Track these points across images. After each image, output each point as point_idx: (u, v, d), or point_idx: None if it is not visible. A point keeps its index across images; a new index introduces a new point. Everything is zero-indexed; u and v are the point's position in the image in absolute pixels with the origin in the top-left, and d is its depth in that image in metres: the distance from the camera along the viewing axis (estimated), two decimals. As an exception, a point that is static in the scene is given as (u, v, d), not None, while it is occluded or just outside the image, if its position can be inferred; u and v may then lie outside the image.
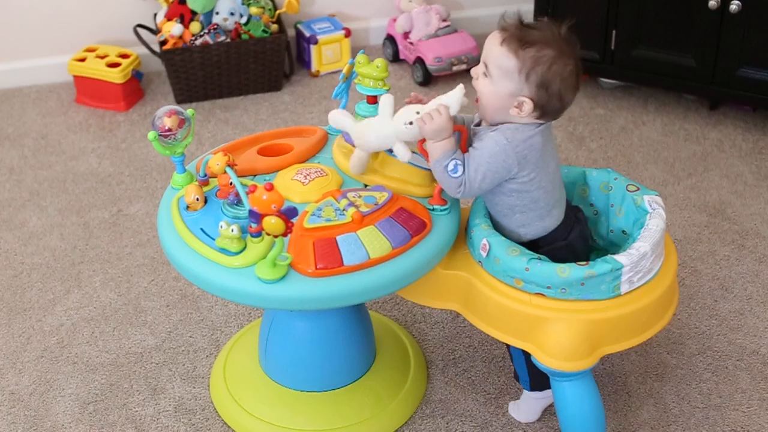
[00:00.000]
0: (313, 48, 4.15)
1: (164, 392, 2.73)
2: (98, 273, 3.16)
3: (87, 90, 4.04)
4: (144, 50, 4.08)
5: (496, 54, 2.22)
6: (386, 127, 2.32)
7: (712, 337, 2.87)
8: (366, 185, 2.44)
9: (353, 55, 4.17)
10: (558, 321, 2.26)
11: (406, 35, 4.23)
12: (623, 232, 2.48)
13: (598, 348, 2.30)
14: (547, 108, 2.25)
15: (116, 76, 3.95)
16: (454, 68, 4.10)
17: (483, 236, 2.31)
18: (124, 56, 4.05)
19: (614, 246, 2.51)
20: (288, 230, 2.08)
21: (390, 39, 4.32)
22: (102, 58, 4.04)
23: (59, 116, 4.00)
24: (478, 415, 2.65)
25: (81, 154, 3.75)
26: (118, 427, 2.64)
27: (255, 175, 2.48)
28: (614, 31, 3.76)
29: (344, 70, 2.56)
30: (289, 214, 2.07)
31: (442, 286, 2.42)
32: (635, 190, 2.45)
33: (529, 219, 2.35)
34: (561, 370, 2.29)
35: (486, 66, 2.25)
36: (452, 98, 2.30)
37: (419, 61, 4.11)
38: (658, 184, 3.47)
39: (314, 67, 4.20)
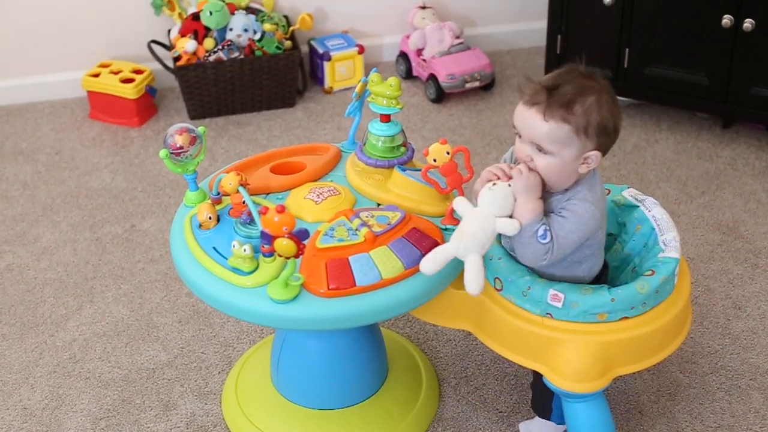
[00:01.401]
0: (327, 64, 4.16)
1: (176, 408, 2.73)
2: (111, 288, 3.16)
3: (101, 105, 4.05)
4: (158, 66, 4.09)
5: (546, 130, 2.13)
6: (490, 215, 2.18)
7: (725, 356, 2.86)
8: (379, 204, 2.44)
9: (366, 71, 4.21)
10: (570, 342, 2.26)
11: (419, 52, 4.23)
12: (609, 234, 2.50)
13: (610, 369, 2.29)
14: (609, 146, 2.22)
15: (130, 92, 3.96)
16: (467, 85, 4.10)
17: (548, 288, 2.25)
18: (138, 72, 4.07)
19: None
20: (300, 252, 2.08)
21: (403, 56, 4.33)
22: (116, 73, 4.05)
23: (73, 131, 4.01)
24: (490, 433, 2.65)
25: (94, 170, 3.76)
26: (129, 443, 2.65)
27: (268, 194, 2.49)
28: (627, 49, 3.76)
29: (357, 88, 2.57)
30: (300, 236, 2.07)
31: (453, 305, 2.41)
32: (608, 193, 2.50)
33: (596, 259, 2.34)
34: (573, 391, 2.28)
35: (538, 145, 2.15)
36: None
37: (432, 78, 4.12)
38: (671, 202, 3.47)
39: (327, 83, 4.21)
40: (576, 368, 2.26)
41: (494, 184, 2.18)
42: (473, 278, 2.13)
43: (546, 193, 2.23)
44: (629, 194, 2.51)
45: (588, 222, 2.20)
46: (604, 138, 2.17)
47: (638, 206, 2.47)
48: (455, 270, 2.32)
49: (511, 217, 2.17)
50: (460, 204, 2.21)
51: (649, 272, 2.28)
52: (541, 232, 2.16)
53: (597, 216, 2.21)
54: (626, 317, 2.26)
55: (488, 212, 2.16)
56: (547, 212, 2.22)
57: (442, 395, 2.75)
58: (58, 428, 2.69)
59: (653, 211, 2.44)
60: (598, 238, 2.29)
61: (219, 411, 2.72)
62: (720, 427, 2.65)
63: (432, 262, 2.17)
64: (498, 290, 2.31)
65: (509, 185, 2.17)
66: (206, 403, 2.74)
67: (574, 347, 2.25)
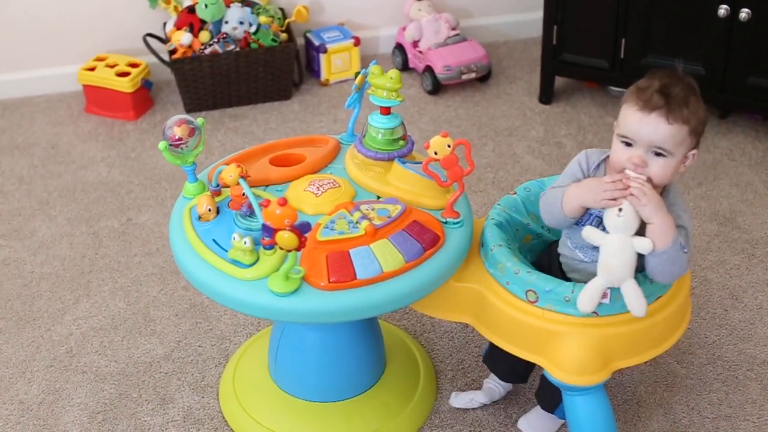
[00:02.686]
0: (323, 57, 4.16)
1: (173, 402, 2.73)
2: (107, 282, 3.16)
3: (96, 99, 4.04)
4: (153, 59, 4.08)
5: (671, 132, 2.15)
6: (626, 239, 2.19)
7: (723, 346, 2.86)
8: (379, 197, 2.43)
9: (362, 63, 4.20)
10: (570, 335, 2.26)
11: (415, 44, 4.22)
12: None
13: (610, 363, 2.29)
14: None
15: (126, 86, 3.96)
16: (464, 77, 4.10)
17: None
18: (134, 65, 4.06)
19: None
20: (301, 245, 2.07)
21: (399, 47, 4.32)
22: (111, 67, 4.04)
23: (69, 125, 4.01)
24: (488, 425, 2.64)
25: (90, 164, 3.75)
26: (127, 436, 2.64)
27: (267, 186, 2.48)
28: (623, 40, 3.75)
29: (357, 80, 2.56)
30: (302, 229, 2.06)
31: (454, 298, 2.41)
32: None
33: None
34: (573, 384, 2.28)
35: (657, 149, 2.17)
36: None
37: (428, 69, 4.11)
38: (667, 193, 3.47)
39: (323, 75, 4.20)
40: (576, 361, 2.26)
41: (621, 210, 2.16)
42: (636, 303, 2.19)
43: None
44: None
45: (692, 223, 2.28)
46: (701, 135, 2.24)
47: None
48: (455, 264, 2.31)
49: (642, 234, 2.19)
50: (591, 233, 2.22)
51: None
52: (683, 241, 2.19)
53: (691, 214, 2.31)
54: (660, 296, 2.30)
55: (624, 238, 2.18)
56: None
57: (440, 388, 2.75)
58: (55, 422, 2.68)
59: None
60: None
61: (216, 404, 2.72)
62: (717, 418, 2.65)
63: (590, 301, 2.20)
64: (533, 302, 2.29)
65: (629, 204, 2.17)
66: (203, 397, 2.74)
67: (574, 340, 2.26)
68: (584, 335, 2.26)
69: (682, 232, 2.21)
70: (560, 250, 2.41)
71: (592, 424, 2.35)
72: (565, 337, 2.26)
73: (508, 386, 2.70)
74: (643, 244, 2.16)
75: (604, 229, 2.21)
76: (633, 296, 2.18)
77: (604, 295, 2.23)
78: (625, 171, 2.19)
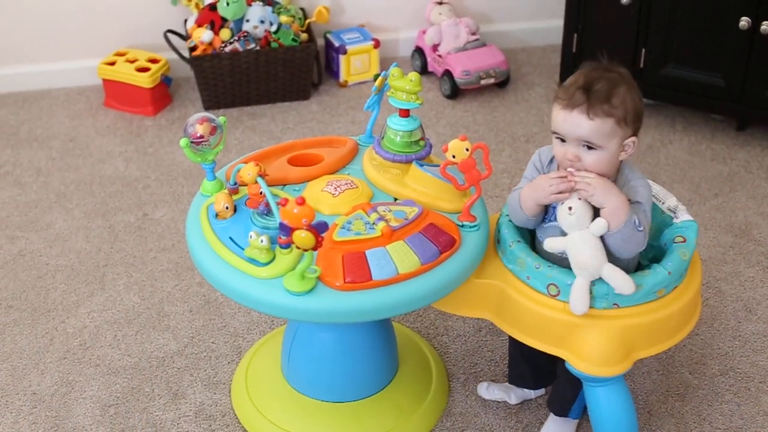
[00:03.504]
0: (342, 58, 4.16)
1: (185, 397, 2.74)
2: (122, 276, 3.17)
3: (116, 94, 4.06)
4: (173, 56, 4.09)
5: (593, 127, 2.20)
6: (586, 233, 2.26)
7: (735, 358, 2.86)
8: (396, 199, 2.44)
9: (382, 65, 4.21)
10: (593, 327, 2.29)
11: (434, 48, 4.23)
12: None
13: (632, 353, 2.33)
14: (639, 129, 2.30)
15: (145, 81, 3.97)
16: (482, 82, 4.10)
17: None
18: (154, 61, 4.07)
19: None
20: (318, 245, 2.08)
21: (419, 51, 4.33)
22: (131, 62, 4.06)
23: (87, 119, 4.02)
24: (498, 429, 2.65)
25: (108, 158, 3.77)
26: (138, 430, 2.64)
27: (285, 185, 2.49)
28: (643, 49, 3.75)
29: (377, 82, 2.56)
30: (319, 229, 2.07)
31: (474, 294, 2.42)
32: None
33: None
34: (597, 375, 2.31)
35: (586, 143, 2.22)
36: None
37: (447, 74, 4.12)
38: (684, 203, 3.46)
39: (342, 77, 4.21)
40: (599, 352, 2.29)
41: (570, 208, 2.24)
42: (622, 283, 2.24)
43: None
44: None
45: (650, 195, 2.32)
46: (638, 123, 2.27)
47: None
48: (471, 267, 2.31)
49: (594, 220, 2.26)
50: (553, 243, 2.28)
51: (680, 239, 2.38)
52: (636, 221, 2.24)
53: (650, 186, 2.35)
54: (676, 286, 2.35)
55: (582, 233, 2.24)
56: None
57: (452, 391, 2.75)
58: (67, 414, 2.69)
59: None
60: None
61: (228, 401, 2.72)
62: (728, 430, 2.64)
63: (582, 300, 2.25)
64: (554, 296, 2.31)
65: (579, 199, 2.24)
66: (215, 393, 2.75)
67: (596, 332, 2.29)
68: (606, 327, 2.29)
69: (638, 208, 2.26)
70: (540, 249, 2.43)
71: (613, 415, 2.37)
72: (588, 329, 2.30)
73: (541, 390, 2.74)
74: (599, 226, 2.22)
75: (563, 233, 2.29)
76: (616, 278, 2.24)
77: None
78: (568, 169, 2.26)
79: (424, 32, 4.28)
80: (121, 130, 3.94)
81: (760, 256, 3.23)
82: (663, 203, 2.48)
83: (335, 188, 2.41)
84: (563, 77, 3.97)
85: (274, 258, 2.23)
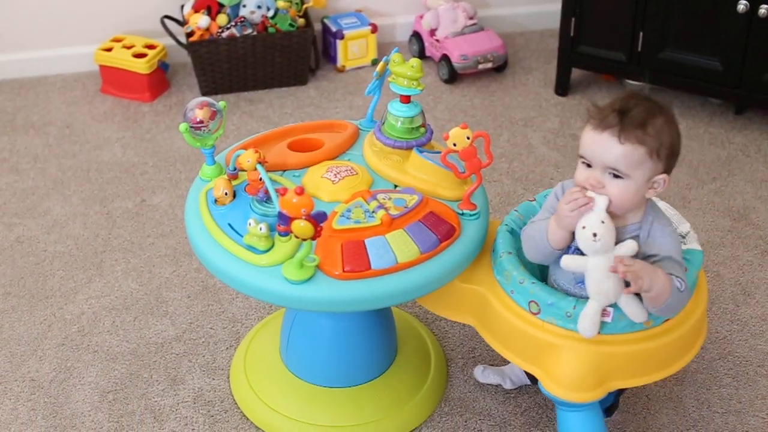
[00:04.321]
0: (340, 43, 4.16)
1: (184, 383, 2.74)
2: (120, 262, 3.16)
3: (112, 80, 4.05)
4: (170, 41, 4.08)
5: (622, 153, 2.08)
6: (599, 261, 2.14)
7: (733, 342, 2.86)
8: (396, 186, 2.43)
9: (379, 50, 4.20)
10: (568, 350, 2.21)
11: (432, 32, 4.22)
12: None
13: (607, 381, 2.24)
14: (672, 169, 2.19)
15: (142, 67, 3.96)
16: (480, 66, 4.10)
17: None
18: (151, 47, 4.06)
19: None
20: (317, 234, 2.07)
21: (416, 36, 4.32)
22: (128, 48, 4.05)
23: (84, 105, 4.01)
24: (497, 413, 2.65)
25: (105, 144, 3.76)
26: (137, 416, 2.65)
27: (284, 171, 2.48)
28: (641, 33, 3.74)
29: (378, 67, 2.56)
30: (318, 219, 2.06)
31: (460, 298, 2.39)
32: None
33: None
34: (565, 399, 2.23)
35: (613, 170, 2.10)
36: (598, 215, 2.13)
37: (445, 58, 4.11)
38: (681, 187, 3.46)
39: (340, 62, 4.20)
40: (571, 376, 2.21)
41: (595, 234, 2.10)
42: (636, 311, 2.16)
43: (618, 225, 2.17)
44: None
45: (679, 244, 2.20)
46: (672, 160, 2.15)
47: None
48: (470, 257, 2.31)
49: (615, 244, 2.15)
50: (571, 262, 2.15)
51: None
52: (678, 284, 2.12)
53: (677, 233, 2.25)
54: (668, 319, 2.23)
55: (606, 258, 2.12)
56: (619, 240, 2.15)
57: (450, 375, 2.75)
58: (65, 400, 2.69)
59: (659, 204, 2.34)
60: None
61: (227, 386, 2.72)
62: (727, 413, 2.65)
63: (592, 326, 2.16)
64: (535, 314, 2.24)
65: (603, 222, 2.10)
66: (214, 379, 2.75)
67: (571, 355, 2.21)
68: (582, 351, 2.20)
69: (672, 265, 2.15)
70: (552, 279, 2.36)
71: None
72: (563, 351, 2.21)
73: None
74: (628, 248, 2.13)
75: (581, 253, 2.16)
76: (631, 306, 2.16)
77: (606, 314, 2.18)
78: (587, 192, 2.13)
79: (421, 17, 4.27)
80: (118, 116, 3.93)
81: (758, 240, 3.23)
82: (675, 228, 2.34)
83: (335, 175, 2.41)
84: (561, 61, 3.97)
85: (272, 246, 2.22)
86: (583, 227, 2.11)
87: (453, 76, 4.11)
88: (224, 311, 2.97)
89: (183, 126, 2.37)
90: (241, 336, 2.88)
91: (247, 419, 2.63)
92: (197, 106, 2.38)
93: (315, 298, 2.19)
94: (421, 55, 4.29)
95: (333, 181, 2.39)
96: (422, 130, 2.52)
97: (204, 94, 4.02)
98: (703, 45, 3.66)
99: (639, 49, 3.78)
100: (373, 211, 2.28)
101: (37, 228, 3.32)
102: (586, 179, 2.14)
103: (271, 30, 3.96)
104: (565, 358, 2.21)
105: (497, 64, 4.15)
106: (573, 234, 2.17)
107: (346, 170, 2.42)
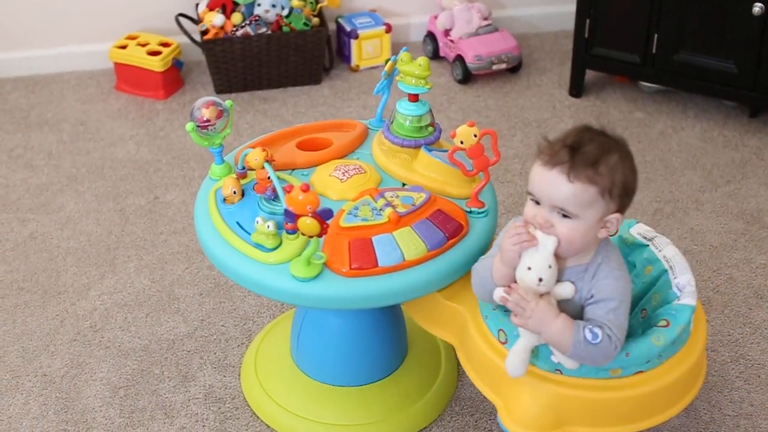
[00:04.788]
0: (354, 42, 4.16)
1: (195, 380, 2.74)
2: (133, 259, 3.17)
3: (127, 77, 4.06)
4: (185, 39, 4.09)
5: (571, 192, 1.96)
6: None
7: (746, 345, 2.85)
8: (404, 184, 2.43)
9: (393, 50, 4.20)
10: (527, 386, 2.11)
11: (446, 33, 4.22)
12: None
13: (564, 425, 2.13)
14: (626, 209, 2.06)
15: (156, 65, 3.97)
16: (494, 67, 4.09)
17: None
18: (165, 45, 4.07)
19: None
20: (323, 231, 2.07)
21: (430, 36, 4.32)
22: (143, 46, 4.06)
23: (98, 103, 4.02)
24: (507, 414, 2.64)
25: (119, 141, 3.77)
26: (147, 412, 2.65)
27: (293, 170, 2.48)
28: (656, 35, 3.74)
29: (386, 67, 2.56)
30: (324, 216, 2.06)
31: (443, 315, 2.35)
32: None
33: None
34: None
35: (561, 209, 1.98)
36: (546, 258, 2.01)
37: (459, 59, 4.11)
38: (695, 190, 3.46)
39: (354, 61, 4.21)
40: (526, 413, 2.11)
41: (541, 279, 1.99)
42: (565, 357, 2.05)
43: (562, 266, 2.06)
44: (637, 232, 2.35)
45: (625, 290, 2.04)
46: (627, 198, 2.03)
47: (648, 245, 2.32)
48: (478, 254, 2.30)
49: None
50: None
51: (664, 323, 2.11)
52: (588, 335, 1.98)
53: (629, 280, 2.07)
54: (641, 371, 2.10)
55: (544, 298, 2.03)
56: (560, 279, 2.04)
57: (461, 375, 2.75)
58: (77, 396, 2.70)
59: (665, 250, 2.27)
60: None
61: (237, 384, 2.73)
62: (738, 416, 2.64)
63: (522, 364, 2.06)
64: (502, 342, 2.15)
65: (550, 267, 1.99)
66: (225, 376, 2.75)
67: (530, 392, 2.11)
68: (541, 390, 2.10)
69: (603, 309, 2.00)
70: None
71: None
72: (522, 386, 2.11)
73: None
74: (564, 290, 2.03)
75: None
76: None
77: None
78: (535, 231, 2.02)
79: (435, 17, 4.27)
80: (132, 114, 3.94)
81: (772, 243, 3.23)
82: (675, 278, 2.22)
83: (343, 173, 2.41)
84: (575, 63, 3.97)
85: (280, 243, 2.23)
86: (529, 268, 2.01)
87: (467, 77, 4.11)
88: (236, 309, 2.97)
89: (190, 125, 2.37)
90: (253, 334, 2.88)
91: (257, 417, 2.63)
92: (204, 106, 2.39)
93: (322, 295, 2.19)
94: (435, 55, 4.29)
95: (341, 179, 2.39)
96: (430, 128, 2.52)
97: (218, 92, 4.03)
98: (718, 47, 3.65)
99: (653, 51, 3.77)
100: (380, 209, 2.28)
101: (50, 224, 3.33)
102: (534, 217, 2.02)
103: (285, 29, 3.97)
104: (523, 393, 2.12)
105: (511, 65, 4.15)
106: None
107: (355, 169, 2.43)
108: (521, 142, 3.75)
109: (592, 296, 2.03)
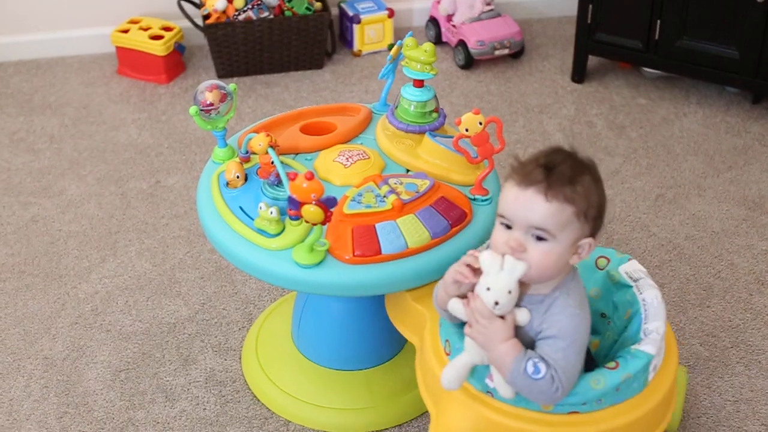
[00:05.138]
0: (356, 27, 4.15)
1: (195, 363, 2.75)
2: (134, 243, 3.17)
3: (129, 61, 4.06)
4: (187, 24, 4.09)
5: (549, 211, 1.88)
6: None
7: (747, 330, 2.85)
8: (408, 171, 2.43)
9: (396, 35, 4.19)
10: (456, 403, 2.04)
11: (449, 18, 4.21)
12: (602, 315, 2.26)
13: None
14: (598, 232, 1.98)
15: (159, 49, 3.96)
16: (497, 52, 4.09)
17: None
18: (167, 29, 4.07)
19: (593, 334, 2.24)
20: (326, 219, 2.07)
21: (433, 21, 4.31)
22: (145, 30, 4.05)
23: (101, 87, 4.02)
24: (508, 399, 2.65)
25: (121, 125, 3.77)
26: (148, 395, 2.66)
27: (297, 154, 2.48)
28: (659, 21, 3.73)
29: (392, 51, 2.55)
30: (328, 204, 2.06)
31: (410, 316, 2.31)
32: (606, 264, 2.25)
33: None
34: None
35: (540, 229, 1.89)
36: (508, 283, 1.91)
37: (462, 44, 4.10)
38: (697, 175, 3.45)
39: (356, 46, 4.20)
40: (451, 428, 2.04)
41: (497, 303, 1.90)
42: (501, 382, 1.97)
43: (523, 292, 1.96)
44: (626, 270, 2.22)
45: (578, 328, 1.94)
46: (599, 221, 1.96)
47: (632, 287, 2.20)
48: (482, 240, 2.29)
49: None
50: (458, 307, 1.98)
51: (613, 364, 1.99)
52: (530, 368, 1.89)
53: (585, 314, 1.97)
54: (576, 412, 1.98)
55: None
56: (519, 305, 1.96)
57: (461, 360, 2.75)
58: (78, 378, 2.71)
59: (645, 293, 2.15)
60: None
61: (238, 367, 2.73)
62: (738, 401, 2.64)
63: (458, 379, 1.99)
64: (447, 354, 2.09)
65: (509, 292, 1.90)
66: (225, 359, 2.76)
67: (458, 409, 2.04)
68: (469, 409, 2.02)
69: (550, 345, 1.91)
70: None
71: None
72: (452, 403, 2.04)
73: None
74: (519, 316, 1.94)
75: None
76: (499, 376, 1.97)
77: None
78: (505, 256, 1.91)
79: (438, 2, 4.26)
80: (134, 98, 3.94)
81: (773, 230, 3.23)
82: (645, 323, 2.09)
83: (347, 158, 2.41)
84: (578, 48, 3.96)
85: (283, 229, 2.22)
86: (488, 288, 1.91)
87: (469, 62, 4.11)
88: (237, 292, 2.97)
89: (193, 109, 2.37)
90: (254, 317, 2.88)
91: (258, 400, 2.63)
92: (207, 89, 2.39)
93: (325, 282, 2.18)
94: (438, 40, 4.28)
95: (345, 164, 2.39)
96: (435, 114, 2.52)
97: (220, 76, 4.03)
98: (721, 34, 3.64)
99: (656, 37, 3.76)
100: (384, 196, 2.28)
101: (52, 207, 3.34)
102: (506, 242, 1.91)
103: (287, 13, 3.96)
104: (453, 409, 2.05)
105: (514, 51, 4.14)
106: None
107: (358, 154, 2.42)
108: (523, 127, 3.74)
109: (541, 330, 1.94)
